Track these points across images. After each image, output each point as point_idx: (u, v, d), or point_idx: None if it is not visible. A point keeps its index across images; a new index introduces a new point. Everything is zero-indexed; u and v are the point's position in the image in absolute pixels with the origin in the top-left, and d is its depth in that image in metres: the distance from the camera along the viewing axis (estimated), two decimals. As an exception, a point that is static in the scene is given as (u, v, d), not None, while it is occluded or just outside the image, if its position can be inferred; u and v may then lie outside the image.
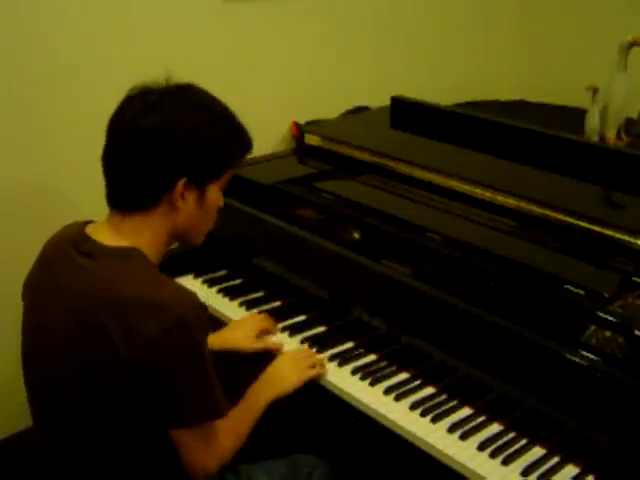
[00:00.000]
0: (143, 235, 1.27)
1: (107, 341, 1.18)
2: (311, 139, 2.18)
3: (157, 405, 1.23)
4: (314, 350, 1.64)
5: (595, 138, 2.18)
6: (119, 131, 1.26)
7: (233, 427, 1.34)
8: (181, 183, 1.25)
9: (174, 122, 1.24)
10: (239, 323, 1.73)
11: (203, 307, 1.26)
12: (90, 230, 1.30)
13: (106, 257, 1.25)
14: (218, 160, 1.31)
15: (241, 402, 1.45)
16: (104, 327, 1.18)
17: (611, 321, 1.35)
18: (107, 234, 1.28)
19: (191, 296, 1.24)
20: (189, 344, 1.20)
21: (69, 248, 1.28)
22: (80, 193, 2.07)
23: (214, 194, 1.32)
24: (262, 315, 1.76)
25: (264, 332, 1.71)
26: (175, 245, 1.91)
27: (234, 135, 1.33)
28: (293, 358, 1.58)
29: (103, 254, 1.25)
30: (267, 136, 2.46)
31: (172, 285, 1.27)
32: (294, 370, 1.54)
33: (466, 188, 1.79)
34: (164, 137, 1.23)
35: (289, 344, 1.69)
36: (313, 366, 1.56)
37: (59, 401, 1.27)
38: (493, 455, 1.35)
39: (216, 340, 1.60)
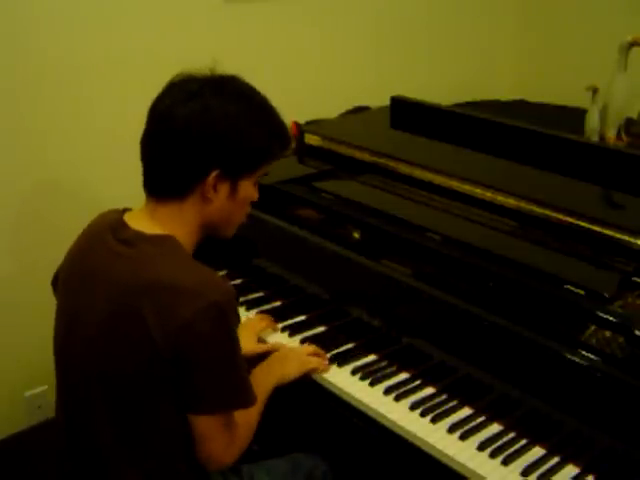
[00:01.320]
0: (175, 223, 1.28)
1: (142, 326, 1.19)
2: (311, 139, 2.17)
3: (186, 391, 1.23)
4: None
5: (595, 138, 2.18)
6: (157, 117, 1.27)
7: (247, 417, 1.35)
8: (213, 175, 1.25)
9: (211, 112, 1.24)
10: (239, 329, 1.73)
11: (236, 295, 1.26)
12: (128, 217, 1.31)
13: (142, 243, 1.25)
14: (253, 154, 1.30)
15: None
16: (139, 312, 1.19)
17: (611, 321, 1.35)
18: (144, 221, 1.29)
19: (225, 284, 1.26)
20: (222, 330, 1.21)
21: (107, 235, 1.29)
22: (80, 191, 2.07)
23: (247, 188, 1.32)
24: (259, 316, 1.77)
25: (265, 331, 1.72)
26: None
27: (272, 130, 1.32)
28: (295, 349, 1.63)
29: (139, 240, 1.26)
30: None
31: (207, 272, 1.26)
32: (295, 358, 1.57)
33: (466, 188, 1.79)
34: (200, 126, 1.23)
35: (289, 344, 1.68)
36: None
37: (90, 389, 1.27)
38: (493, 455, 1.35)
39: None
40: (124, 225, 1.29)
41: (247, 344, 1.66)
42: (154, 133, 1.27)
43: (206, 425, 1.26)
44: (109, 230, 1.29)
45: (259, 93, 1.32)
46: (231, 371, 1.24)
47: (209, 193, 1.26)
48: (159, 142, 1.26)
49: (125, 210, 1.34)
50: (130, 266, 1.24)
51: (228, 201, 1.30)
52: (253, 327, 1.71)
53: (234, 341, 1.24)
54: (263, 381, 1.48)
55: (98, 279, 1.27)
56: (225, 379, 1.24)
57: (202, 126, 1.23)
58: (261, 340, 1.71)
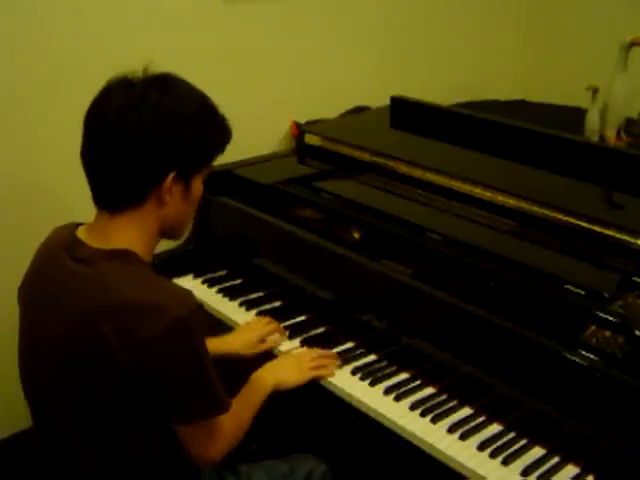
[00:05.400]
0: (133, 234, 1.26)
1: (104, 348, 1.17)
2: (311, 139, 2.17)
3: (159, 405, 1.23)
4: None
5: (595, 138, 2.18)
6: (102, 127, 1.22)
7: (236, 417, 1.34)
8: (170, 177, 1.23)
9: (163, 115, 1.22)
10: (241, 329, 1.72)
11: (199, 306, 1.25)
12: (81, 233, 1.28)
13: (99, 261, 1.23)
14: (205, 151, 1.29)
15: (243, 390, 1.45)
16: (101, 334, 1.17)
17: (611, 321, 1.34)
18: (98, 236, 1.26)
19: (187, 296, 1.23)
20: (188, 345, 1.20)
21: (62, 254, 1.26)
22: (77, 193, 2.06)
23: (198, 185, 1.31)
24: (266, 319, 1.74)
25: (269, 335, 1.70)
26: (174, 245, 1.93)
27: (217, 125, 1.31)
28: (298, 357, 1.60)
29: (96, 259, 1.23)
30: (267, 136, 2.47)
31: (168, 287, 1.26)
32: (297, 367, 1.55)
33: (466, 188, 1.79)
34: (154, 131, 1.20)
35: (289, 344, 1.68)
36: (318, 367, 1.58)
37: (58, 405, 1.27)
38: (493, 455, 1.35)
39: (215, 346, 1.57)
40: (79, 242, 1.26)
41: (244, 348, 1.65)
42: (102, 144, 1.22)
43: (185, 433, 1.26)
44: (63, 249, 1.27)
45: (199, 90, 1.31)
46: (201, 383, 1.23)
47: (166, 196, 1.25)
48: (109, 153, 1.21)
49: (78, 225, 1.31)
50: (89, 286, 1.21)
51: (182, 201, 1.28)
52: (256, 330, 1.69)
53: (201, 352, 1.22)
54: (260, 384, 1.48)
55: (57, 298, 1.25)
56: (197, 392, 1.23)
57: (158, 130, 1.21)
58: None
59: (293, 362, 1.57)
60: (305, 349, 1.66)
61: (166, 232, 1.33)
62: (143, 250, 1.27)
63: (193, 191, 1.30)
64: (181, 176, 1.25)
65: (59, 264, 1.26)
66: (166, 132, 1.22)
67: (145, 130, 1.20)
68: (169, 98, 1.24)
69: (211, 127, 1.29)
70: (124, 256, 1.24)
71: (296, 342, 1.69)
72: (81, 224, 1.32)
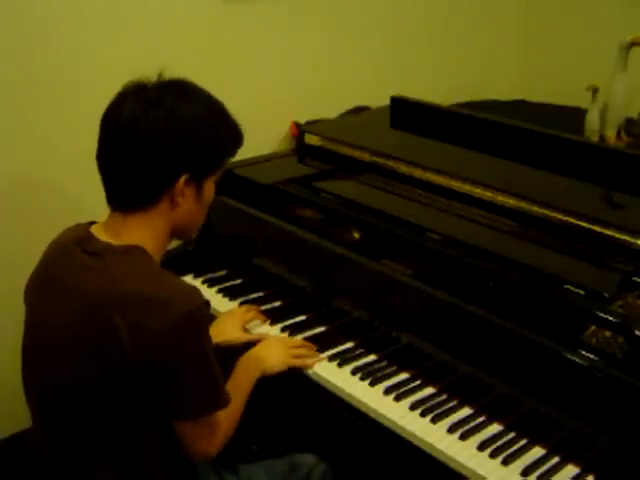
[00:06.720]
0: (145, 234, 1.28)
1: (114, 338, 1.19)
2: (311, 139, 2.17)
3: (163, 399, 1.24)
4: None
5: (595, 138, 2.18)
6: (117, 129, 1.25)
7: (229, 408, 1.35)
8: (183, 179, 1.26)
9: (176, 118, 1.24)
10: (224, 317, 1.74)
11: (207, 302, 1.27)
12: (94, 230, 1.31)
13: (111, 255, 1.25)
14: (218, 154, 1.32)
15: (231, 378, 1.46)
16: (111, 324, 1.19)
17: (611, 321, 1.34)
18: (111, 234, 1.28)
19: (195, 292, 1.25)
20: (195, 340, 1.21)
21: (74, 248, 1.28)
22: (80, 192, 2.07)
23: (210, 188, 1.34)
24: (245, 307, 1.77)
25: (250, 322, 1.73)
26: (174, 245, 1.93)
27: (230, 128, 1.34)
28: (281, 341, 1.64)
29: (108, 252, 1.25)
30: (267, 136, 2.47)
31: (177, 282, 1.27)
32: (280, 352, 1.57)
33: (466, 188, 1.79)
34: (167, 134, 1.23)
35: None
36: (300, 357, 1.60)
37: (63, 400, 1.28)
38: (493, 455, 1.35)
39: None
40: (92, 237, 1.28)
41: (233, 333, 1.67)
42: (116, 146, 1.25)
43: (187, 428, 1.27)
44: (76, 243, 1.28)
45: (211, 95, 1.34)
46: (206, 377, 1.25)
47: (178, 197, 1.27)
48: (123, 154, 1.24)
49: (91, 223, 1.33)
50: (100, 279, 1.23)
51: (195, 203, 1.31)
52: (240, 317, 1.72)
53: (207, 348, 1.24)
54: (247, 372, 1.50)
55: (67, 292, 1.26)
56: (201, 386, 1.25)
57: (171, 132, 1.23)
58: (247, 331, 1.71)
59: (276, 347, 1.60)
60: (285, 335, 1.69)
61: (177, 233, 1.36)
62: (154, 250, 1.29)
63: (205, 194, 1.32)
64: (193, 178, 1.28)
65: (70, 258, 1.28)
66: (179, 135, 1.24)
67: (158, 133, 1.23)
68: (182, 102, 1.27)
69: (223, 131, 1.32)
70: (134, 251, 1.26)
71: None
72: (94, 222, 1.34)
